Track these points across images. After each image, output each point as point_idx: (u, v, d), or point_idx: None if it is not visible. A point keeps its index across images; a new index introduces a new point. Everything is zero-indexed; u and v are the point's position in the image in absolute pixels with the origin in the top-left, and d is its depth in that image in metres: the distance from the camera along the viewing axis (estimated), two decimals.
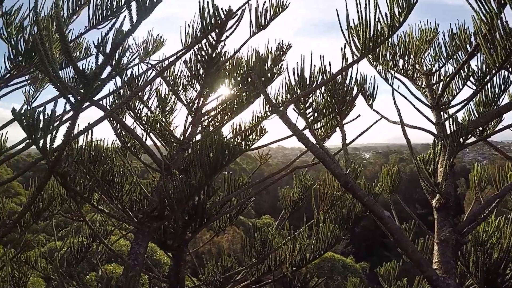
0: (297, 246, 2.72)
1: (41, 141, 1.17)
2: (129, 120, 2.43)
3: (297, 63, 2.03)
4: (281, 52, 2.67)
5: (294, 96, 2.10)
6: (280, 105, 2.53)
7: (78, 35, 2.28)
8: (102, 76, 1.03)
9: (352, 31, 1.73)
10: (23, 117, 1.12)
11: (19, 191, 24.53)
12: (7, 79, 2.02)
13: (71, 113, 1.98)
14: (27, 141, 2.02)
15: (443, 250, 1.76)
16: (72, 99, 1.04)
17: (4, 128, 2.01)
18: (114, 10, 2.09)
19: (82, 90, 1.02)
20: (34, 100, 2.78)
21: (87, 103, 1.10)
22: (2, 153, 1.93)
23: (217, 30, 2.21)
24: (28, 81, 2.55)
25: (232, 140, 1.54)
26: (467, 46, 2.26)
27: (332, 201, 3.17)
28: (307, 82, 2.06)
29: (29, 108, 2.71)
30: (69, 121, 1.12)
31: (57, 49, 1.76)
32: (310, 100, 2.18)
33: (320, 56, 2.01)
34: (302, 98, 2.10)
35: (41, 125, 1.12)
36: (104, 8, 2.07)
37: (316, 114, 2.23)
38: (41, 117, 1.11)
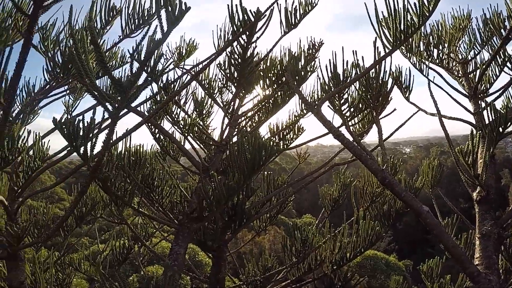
0: (337, 245, 2.69)
1: (82, 148, 1.21)
2: (167, 125, 2.48)
3: (330, 59, 2.01)
4: (313, 50, 2.65)
5: (329, 93, 2.08)
6: (315, 102, 2.51)
7: (113, 44, 2.35)
8: (138, 83, 1.06)
9: (382, 23, 1.70)
10: (64, 126, 1.17)
11: (62, 196, 25.48)
12: (46, 90, 2.10)
13: (109, 121, 2.06)
14: (68, 148, 2.12)
15: (484, 244, 1.70)
16: (109, 107, 1.08)
17: (46, 137, 2.10)
18: (146, 19, 2.13)
19: (119, 98, 1.05)
20: (74, 109, 2.89)
21: (125, 110, 1.14)
22: (45, 160, 2.01)
23: (247, 32, 2.23)
24: (67, 91, 2.65)
25: (269, 140, 1.55)
26: (502, 30, 2.17)
27: (372, 198, 3.12)
28: (341, 78, 2.03)
29: (69, 117, 2.82)
30: (108, 128, 1.15)
31: (92, 60, 1.82)
32: (345, 96, 2.15)
33: (353, 51, 1.99)
34: (336, 95, 2.08)
35: (81, 133, 1.17)
36: (136, 18, 2.12)
37: (351, 110, 2.21)
38: (81, 125, 1.16)
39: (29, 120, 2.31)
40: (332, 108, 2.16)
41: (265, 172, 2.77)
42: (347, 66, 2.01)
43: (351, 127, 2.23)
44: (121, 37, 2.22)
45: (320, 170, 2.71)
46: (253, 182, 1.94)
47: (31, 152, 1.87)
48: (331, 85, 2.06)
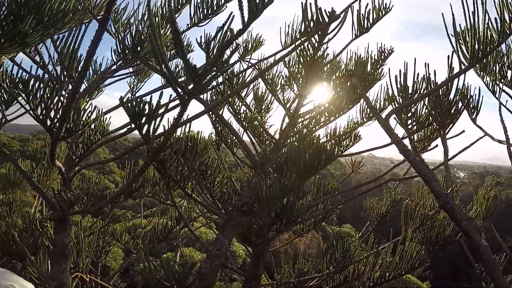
0: (378, 262, 2.60)
1: (145, 128, 1.23)
2: (226, 115, 2.50)
3: (400, 70, 1.94)
4: (382, 57, 2.56)
5: (394, 104, 2.01)
6: (378, 111, 2.44)
7: (180, 32, 2.38)
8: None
9: (459, 37, 1.61)
10: (129, 104, 1.19)
11: (113, 169, 26.63)
12: (113, 70, 2.17)
13: (173, 104, 2.10)
14: (129, 127, 2.18)
15: None
16: (181, 93, 1.08)
17: (107, 113, 2.18)
18: (215, 9, 2.14)
19: (191, 85, 1.05)
20: (138, 90, 2.99)
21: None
22: (104, 135, 2.08)
23: (319, 32, 2.18)
24: (133, 73, 2.74)
25: (330, 144, 1.51)
26: None
27: (422, 220, 3.00)
28: (410, 91, 1.95)
29: (132, 96, 2.92)
30: (176, 112, 1.16)
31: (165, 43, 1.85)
32: (412, 110, 2.07)
33: (425, 63, 1.90)
34: (404, 108, 2.01)
35: (145, 113, 1.18)
36: (205, 7, 2.13)
37: (417, 126, 2.11)
38: (147, 106, 1.18)
39: (93, 96, 2.40)
40: (398, 120, 2.08)
41: (316, 176, 2.71)
42: (417, 78, 1.92)
43: (415, 143, 2.14)
44: (189, 25, 2.25)
45: (371, 184, 2.63)
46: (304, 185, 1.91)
47: (92, 126, 1.94)
48: (399, 96, 1.99)
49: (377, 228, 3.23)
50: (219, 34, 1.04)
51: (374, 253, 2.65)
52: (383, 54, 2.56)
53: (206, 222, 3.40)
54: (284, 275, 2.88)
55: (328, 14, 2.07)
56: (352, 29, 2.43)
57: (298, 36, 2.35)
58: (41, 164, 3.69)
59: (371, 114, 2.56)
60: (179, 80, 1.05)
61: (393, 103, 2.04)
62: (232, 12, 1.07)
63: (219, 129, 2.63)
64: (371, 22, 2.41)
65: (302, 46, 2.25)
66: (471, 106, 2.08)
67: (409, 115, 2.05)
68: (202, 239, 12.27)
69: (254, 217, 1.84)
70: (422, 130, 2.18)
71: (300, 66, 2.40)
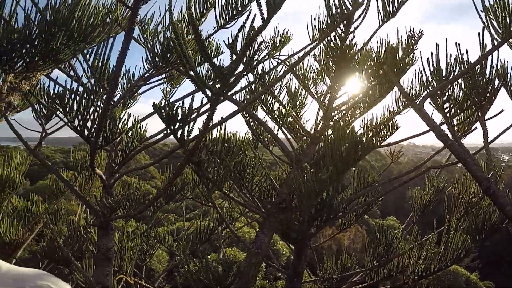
0: (423, 254, 2.52)
1: (179, 132, 1.25)
2: (260, 114, 2.50)
3: (432, 52, 1.87)
4: (412, 41, 2.48)
5: (429, 88, 1.93)
6: (414, 98, 2.36)
7: (208, 35, 2.41)
8: (237, 71, 1.05)
9: (489, 12, 1.53)
10: (163, 110, 1.21)
11: (154, 175, 27.29)
12: (146, 78, 2.22)
13: (206, 107, 2.13)
14: (164, 132, 2.23)
15: None
16: (209, 94, 1.08)
17: (144, 120, 2.24)
18: (239, 9, 2.14)
19: (218, 86, 1.06)
20: (171, 96, 3.05)
21: (222, 98, 1.14)
22: (142, 142, 2.13)
23: (344, 22, 2.14)
24: (165, 79, 2.79)
25: (366, 135, 1.48)
26: None
27: (466, 208, 2.89)
28: (443, 74, 1.88)
29: (166, 103, 2.98)
30: (206, 114, 1.17)
31: (190, 49, 1.87)
32: (448, 93, 1.99)
33: (456, 43, 1.82)
34: (438, 91, 1.93)
35: (179, 118, 1.20)
36: (230, 9, 2.14)
37: (454, 109, 2.03)
38: (179, 111, 1.19)
39: (129, 105, 2.46)
40: (433, 105, 2.01)
41: (356, 169, 2.66)
42: (450, 60, 1.84)
43: (453, 128, 2.06)
44: (215, 28, 2.26)
45: (412, 174, 2.55)
46: (343, 178, 1.88)
47: (130, 134, 1.99)
48: (433, 80, 1.92)
49: (421, 218, 3.15)
50: (241, 33, 1.04)
51: (418, 245, 2.58)
52: (413, 38, 2.48)
53: (247, 221, 3.40)
54: (327, 271, 2.85)
55: (351, 2, 2.03)
56: (378, 15, 2.37)
57: (325, 28, 2.32)
58: (83, 173, 3.83)
59: (407, 102, 2.49)
60: (212, 83, 1.05)
61: (428, 88, 1.97)
62: (251, 10, 1.07)
63: (254, 128, 2.63)
64: (396, 6, 2.33)
65: (328, 38, 2.21)
66: (510, 83, 1.98)
67: (445, 98, 1.97)
68: (245, 239, 12.38)
69: (293, 213, 1.83)
70: (460, 114, 2.09)
71: (329, 58, 2.36)
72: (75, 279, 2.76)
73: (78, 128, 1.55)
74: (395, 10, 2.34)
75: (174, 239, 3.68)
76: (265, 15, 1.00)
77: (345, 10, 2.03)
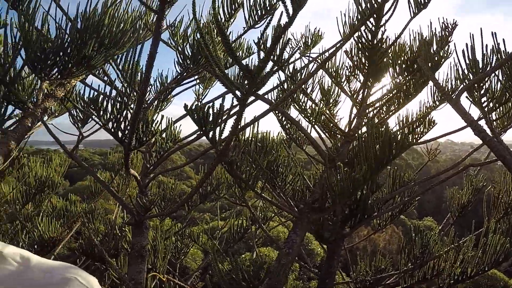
0: (459, 257, 2.42)
1: (211, 133, 1.26)
2: (293, 113, 2.48)
3: (466, 44, 1.78)
4: (446, 33, 2.38)
5: (465, 82, 1.85)
6: (450, 92, 2.28)
7: (238, 36, 2.42)
8: (266, 70, 1.05)
9: None
10: (195, 112, 1.22)
11: (190, 175, 27.77)
12: (178, 80, 2.25)
13: (238, 107, 2.13)
14: (198, 133, 2.26)
15: None
16: (238, 94, 1.08)
17: (178, 121, 2.28)
18: (268, 9, 2.13)
19: (247, 85, 1.05)
20: (204, 97, 3.08)
21: (253, 97, 1.14)
22: (176, 143, 2.16)
23: (374, 15, 2.09)
24: (197, 81, 2.82)
25: (401, 133, 1.43)
26: None
27: (506, 209, 2.76)
28: (480, 65, 1.79)
29: (199, 104, 3.01)
30: (236, 115, 1.17)
31: (220, 50, 1.88)
32: (485, 86, 1.90)
33: (492, 33, 1.73)
34: (475, 84, 1.85)
35: (210, 118, 1.21)
36: (258, 9, 2.13)
37: (492, 103, 1.94)
38: (210, 111, 1.20)
39: (163, 107, 2.51)
40: (470, 99, 1.93)
41: (391, 167, 2.59)
42: (486, 50, 1.76)
43: (492, 123, 1.97)
44: (245, 29, 2.26)
45: (450, 171, 2.45)
46: (378, 177, 1.83)
47: (164, 135, 2.03)
48: (468, 73, 1.83)
49: (459, 219, 3.03)
50: (269, 32, 1.02)
51: (455, 248, 2.48)
52: (447, 30, 2.39)
53: (281, 221, 3.39)
54: (360, 272, 2.80)
55: None
56: (409, 6, 2.30)
57: (356, 24, 2.27)
58: (120, 174, 3.93)
59: (442, 96, 2.41)
60: (242, 83, 1.05)
61: (464, 82, 1.89)
62: (278, 6, 1.05)
63: (287, 127, 2.61)
64: None
65: (359, 33, 2.17)
66: None
67: (482, 92, 1.88)
68: (280, 238, 12.36)
69: (326, 213, 1.80)
70: (499, 107, 2.00)
71: (361, 53, 2.31)
72: (110, 275, 2.84)
73: (113, 130, 1.58)
74: (426, 1, 2.26)
75: (208, 238, 3.71)
76: (290, 12, 0.99)
77: (374, 3, 1.98)
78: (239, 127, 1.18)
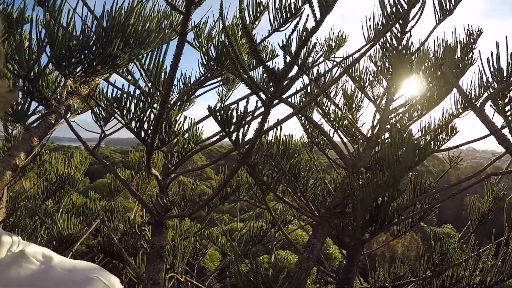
0: (479, 266, 2.37)
1: (234, 135, 1.26)
2: (316, 117, 2.47)
3: (491, 51, 1.74)
4: (471, 39, 2.35)
5: (489, 90, 1.81)
6: (473, 100, 2.24)
7: (262, 39, 2.41)
8: (291, 74, 1.04)
9: None
10: (218, 113, 1.22)
11: (210, 175, 27.91)
12: (201, 81, 2.26)
13: (261, 110, 2.13)
14: (220, 134, 2.26)
15: None
16: (263, 97, 1.08)
17: (200, 122, 2.28)
18: (293, 12, 2.13)
19: (272, 88, 1.05)
20: (227, 99, 3.09)
21: (277, 101, 1.13)
22: (198, 143, 2.17)
23: (400, 21, 2.07)
24: (221, 82, 2.83)
25: (424, 139, 1.41)
26: None
27: None
28: (504, 74, 1.75)
29: (222, 105, 3.03)
30: (261, 117, 1.17)
31: (245, 52, 1.88)
32: (510, 95, 1.86)
33: None
34: (500, 93, 1.81)
35: (234, 120, 1.21)
36: (283, 12, 2.13)
37: None
38: (234, 114, 1.20)
39: (186, 108, 2.52)
40: (494, 108, 1.89)
41: (411, 174, 2.56)
42: (511, 59, 1.72)
43: None
44: (270, 31, 2.26)
45: (471, 180, 2.41)
46: (400, 183, 1.81)
47: (186, 135, 2.04)
48: (493, 81, 1.79)
49: (479, 228, 2.98)
50: (294, 35, 1.02)
51: (474, 256, 2.43)
52: (471, 37, 2.35)
53: (300, 224, 3.38)
54: (379, 279, 2.76)
55: (406, 0, 1.95)
56: (434, 13, 2.26)
57: (380, 29, 2.26)
58: (140, 173, 3.97)
59: (466, 104, 2.37)
60: (267, 86, 1.05)
61: (488, 90, 1.85)
62: (304, 9, 1.05)
63: (309, 131, 2.60)
64: (453, 2, 2.22)
65: (384, 38, 2.15)
66: None
67: (506, 100, 1.84)
68: (298, 242, 12.28)
69: (347, 218, 1.79)
70: None
71: (385, 59, 2.29)
72: (128, 273, 2.86)
73: (135, 130, 1.59)
74: (452, 7, 2.23)
75: (227, 240, 3.72)
76: (318, 15, 0.98)
77: (400, 9, 1.96)
78: (263, 130, 1.18)
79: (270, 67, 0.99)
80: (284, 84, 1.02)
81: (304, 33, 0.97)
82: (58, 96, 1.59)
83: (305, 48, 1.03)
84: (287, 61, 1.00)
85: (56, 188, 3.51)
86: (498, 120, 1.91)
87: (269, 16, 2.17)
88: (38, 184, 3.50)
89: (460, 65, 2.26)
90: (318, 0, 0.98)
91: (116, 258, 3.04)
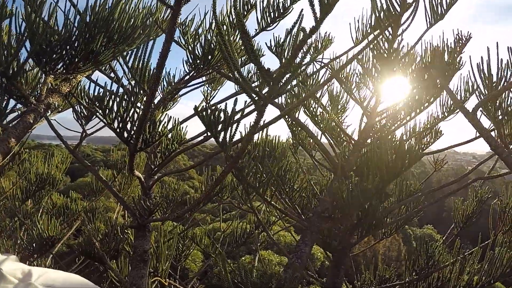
0: (466, 269, 2.39)
1: (221, 136, 1.21)
2: (301, 116, 2.44)
3: (482, 57, 1.74)
4: (460, 44, 2.35)
5: (478, 94, 1.82)
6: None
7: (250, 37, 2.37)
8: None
9: None
10: (205, 114, 1.17)
11: (192, 175, 27.73)
12: (186, 81, 2.22)
13: (248, 110, 2.10)
14: (205, 135, 2.21)
15: None
16: (255, 97, 1.04)
17: (184, 122, 2.23)
18: (282, 11, 2.11)
19: (267, 91, 1.01)
20: (212, 98, 3.05)
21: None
22: (182, 144, 2.12)
23: (392, 24, 2.06)
24: (206, 82, 2.79)
25: (407, 142, 1.40)
26: None
27: None
28: (494, 79, 1.76)
29: (208, 105, 2.99)
30: (249, 119, 1.13)
31: (236, 50, 1.84)
32: (499, 100, 1.87)
33: (508, 48, 1.69)
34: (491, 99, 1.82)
35: (221, 121, 1.16)
36: (271, 11, 2.10)
37: (506, 117, 1.91)
38: (222, 114, 1.16)
39: (170, 107, 2.46)
40: (485, 113, 1.90)
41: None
42: (501, 65, 1.72)
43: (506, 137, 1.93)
44: (257, 31, 2.23)
45: (454, 186, 2.43)
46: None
47: (169, 136, 1.99)
48: (483, 87, 1.80)
49: (461, 231, 3.00)
50: (289, 35, 0.98)
51: (460, 259, 2.44)
52: (460, 41, 2.35)
53: (285, 226, 3.36)
54: (365, 282, 2.75)
55: (399, 3, 1.94)
56: (426, 17, 2.26)
57: (369, 31, 2.24)
58: (122, 173, 3.89)
59: (453, 108, 2.37)
60: (252, 85, 1.01)
61: (476, 93, 1.86)
62: (302, 9, 1.01)
63: (296, 132, 2.57)
64: (445, 7, 2.22)
65: (375, 41, 2.13)
66: None
67: (497, 105, 1.85)
68: (281, 242, 12.29)
69: (336, 223, 1.76)
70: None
71: (375, 61, 2.27)
72: (110, 276, 2.80)
73: (118, 130, 1.54)
74: (443, 12, 2.23)
75: (211, 241, 3.68)
76: (318, 14, 0.94)
77: (393, 12, 1.95)
78: (254, 133, 1.14)
79: (268, 68, 0.95)
80: (280, 86, 0.98)
81: (302, 33, 0.94)
82: (38, 94, 1.52)
83: (302, 49, 0.99)
84: (283, 62, 0.96)
85: (36, 188, 3.43)
86: (486, 123, 1.92)
87: (256, 15, 2.14)
88: (18, 184, 3.41)
89: (449, 69, 2.27)
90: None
91: (97, 261, 2.97)
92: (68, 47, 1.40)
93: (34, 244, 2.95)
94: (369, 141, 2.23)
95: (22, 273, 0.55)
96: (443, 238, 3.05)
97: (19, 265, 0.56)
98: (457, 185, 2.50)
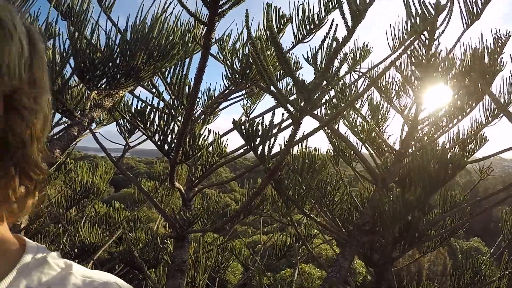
0: None
1: (259, 149, 1.22)
2: (341, 128, 2.42)
3: None
4: (499, 44, 2.26)
5: None
6: (504, 107, 2.16)
7: (286, 51, 2.38)
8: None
9: None
10: (243, 127, 1.18)
11: (234, 187, 27.98)
12: (226, 94, 2.25)
13: (286, 123, 2.10)
14: (245, 148, 2.23)
15: None
16: (291, 110, 1.04)
17: (224, 136, 2.27)
18: (317, 23, 2.10)
19: (302, 103, 1.01)
20: (252, 111, 3.09)
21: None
22: (222, 157, 2.15)
23: (428, 28, 2.01)
24: (245, 95, 2.83)
25: (449, 151, 1.35)
26: None
27: None
28: None
29: (247, 118, 3.02)
30: (290, 132, 1.13)
31: (270, 64, 1.85)
32: None
33: None
34: None
35: (259, 134, 1.17)
36: (307, 23, 2.10)
37: None
38: (259, 127, 1.16)
39: (210, 121, 2.51)
40: None
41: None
42: None
43: None
44: (293, 43, 2.24)
45: (502, 194, 2.31)
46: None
47: (210, 149, 2.03)
48: None
49: (510, 243, 2.84)
50: (323, 45, 0.98)
51: (508, 274, 2.32)
52: (500, 41, 2.25)
53: (325, 239, 3.31)
54: None
55: (433, 6, 1.89)
56: (462, 18, 2.19)
57: (405, 37, 2.20)
58: (164, 184, 3.98)
59: (497, 112, 2.28)
60: (291, 98, 1.01)
61: None
62: (334, 19, 1.00)
63: (336, 144, 2.54)
64: (480, 6, 2.14)
65: (412, 47, 2.09)
66: None
67: None
68: (322, 256, 12.10)
69: (377, 236, 1.72)
70: None
71: (413, 68, 2.22)
72: (148, 284, 2.86)
73: (159, 143, 1.58)
74: (479, 11, 2.15)
75: (250, 254, 3.68)
76: (350, 24, 0.94)
77: (428, 16, 1.90)
78: (292, 146, 1.14)
79: (302, 80, 0.95)
80: (315, 97, 0.97)
81: (335, 43, 0.93)
82: (82, 109, 1.59)
83: (336, 59, 0.99)
84: (317, 73, 0.96)
85: (80, 196, 3.54)
86: None
87: (292, 28, 2.15)
88: (63, 192, 3.54)
89: (489, 71, 2.18)
90: (350, 8, 0.94)
91: (136, 269, 3.03)
92: (110, 64, 1.46)
93: (76, 250, 3.05)
94: (410, 150, 2.17)
95: (65, 263, 0.60)
96: (491, 251, 2.91)
97: (63, 259, 0.62)
98: (505, 193, 2.38)
